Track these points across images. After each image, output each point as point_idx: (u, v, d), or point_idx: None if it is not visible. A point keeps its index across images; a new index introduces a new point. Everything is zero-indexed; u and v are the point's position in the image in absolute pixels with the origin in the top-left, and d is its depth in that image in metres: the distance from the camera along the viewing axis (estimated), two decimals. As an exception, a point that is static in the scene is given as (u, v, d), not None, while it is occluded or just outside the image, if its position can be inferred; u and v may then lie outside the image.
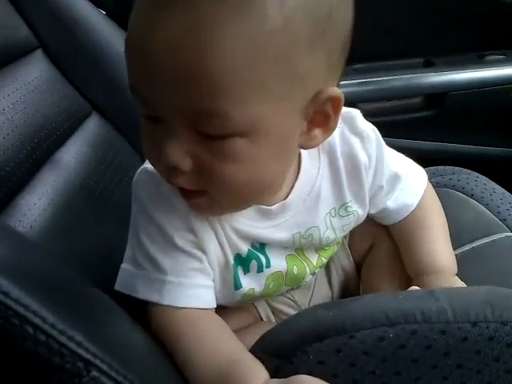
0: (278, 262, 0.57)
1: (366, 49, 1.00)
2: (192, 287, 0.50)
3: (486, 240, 0.74)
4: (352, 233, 0.71)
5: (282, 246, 0.56)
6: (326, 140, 0.51)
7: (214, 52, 0.36)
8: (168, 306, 0.49)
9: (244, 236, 0.53)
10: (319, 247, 0.60)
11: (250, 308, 0.67)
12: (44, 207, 0.61)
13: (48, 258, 0.46)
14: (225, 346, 0.49)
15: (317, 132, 0.45)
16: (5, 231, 0.45)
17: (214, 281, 0.53)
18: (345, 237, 0.70)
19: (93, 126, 0.82)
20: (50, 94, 0.76)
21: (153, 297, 0.50)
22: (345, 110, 0.53)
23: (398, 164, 0.60)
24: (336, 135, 0.54)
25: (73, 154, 0.72)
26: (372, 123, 0.57)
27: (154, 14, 0.38)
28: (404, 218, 0.62)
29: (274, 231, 0.54)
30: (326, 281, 0.71)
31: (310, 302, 0.69)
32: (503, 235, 0.75)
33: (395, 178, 0.59)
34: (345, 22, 0.43)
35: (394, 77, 1.16)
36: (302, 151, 0.53)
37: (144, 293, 0.50)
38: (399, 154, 0.62)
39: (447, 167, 0.94)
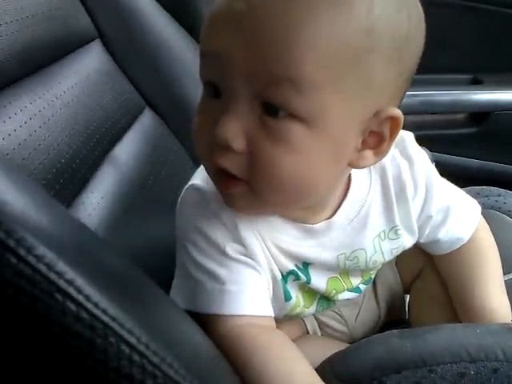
0: (318, 283, 0.55)
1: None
2: (252, 294, 0.49)
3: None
4: (402, 254, 0.69)
5: (326, 267, 0.55)
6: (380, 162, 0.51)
7: (308, 26, 0.37)
8: (229, 315, 0.48)
9: (287, 254, 0.52)
10: (365, 270, 0.59)
11: (297, 320, 0.66)
12: (107, 206, 0.60)
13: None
14: (300, 368, 0.47)
15: (368, 153, 0.44)
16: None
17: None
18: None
19: (146, 122, 0.81)
20: (109, 88, 0.75)
21: (213, 308, 0.48)
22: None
23: (450, 195, 0.58)
24: (388, 156, 0.51)
25: (129, 151, 0.71)
26: (415, 136, 0.56)
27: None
28: (455, 251, 0.60)
29: (318, 251, 0.52)
30: (373, 298, 0.70)
31: (356, 318, 0.68)
32: (552, 265, 0.74)
33: (447, 210, 0.57)
34: (418, 48, 0.44)
35: (441, 92, 1.14)
36: (353, 170, 0.52)
37: (203, 306, 0.48)
38: (451, 184, 0.59)
39: (492, 188, 0.92)
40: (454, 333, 0.48)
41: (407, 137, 0.55)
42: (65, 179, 0.56)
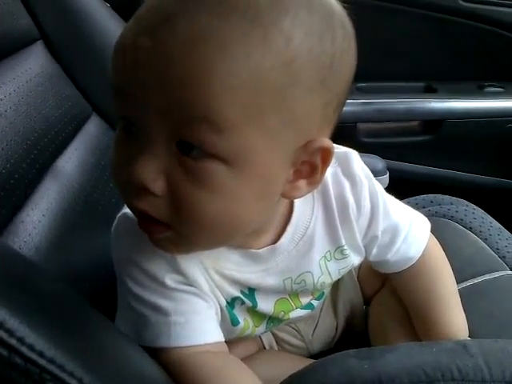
0: (265, 306, 0.54)
1: (371, 68, 0.99)
2: (200, 322, 0.47)
3: (488, 277, 0.74)
4: (364, 268, 0.69)
5: (272, 291, 0.53)
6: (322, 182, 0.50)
7: (221, 64, 0.35)
8: (179, 347, 0.45)
9: (231, 281, 0.50)
10: (315, 290, 0.58)
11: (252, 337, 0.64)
12: (49, 224, 0.55)
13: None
14: None
15: (301, 183, 0.43)
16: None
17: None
18: (355, 269, 0.68)
19: (93, 129, 0.76)
20: (53, 94, 0.70)
21: (161, 341, 0.45)
22: (342, 149, 0.53)
23: (398, 215, 0.56)
24: (329, 175, 0.51)
25: (74, 161, 0.67)
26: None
27: (158, 16, 0.36)
28: (407, 270, 0.59)
29: (262, 276, 0.51)
30: (331, 311, 0.69)
31: (314, 332, 0.68)
32: (504, 273, 0.75)
33: (396, 230, 0.56)
34: (346, 72, 0.42)
35: (396, 100, 1.16)
36: None
37: (151, 340, 0.46)
38: (399, 202, 0.58)
39: (445, 196, 0.94)
40: (411, 352, 0.47)
41: (351, 156, 0.53)
42: (1, 197, 0.51)
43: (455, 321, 0.59)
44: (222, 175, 0.37)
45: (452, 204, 0.91)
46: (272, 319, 0.57)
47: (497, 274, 0.74)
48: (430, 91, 1.24)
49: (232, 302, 0.51)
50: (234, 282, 0.50)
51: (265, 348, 0.66)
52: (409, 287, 0.61)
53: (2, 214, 0.51)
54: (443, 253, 0.61)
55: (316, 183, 0.43)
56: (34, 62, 0.72)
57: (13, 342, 0.26)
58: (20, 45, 0.72)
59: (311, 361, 0.63)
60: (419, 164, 1.21)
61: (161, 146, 0.37)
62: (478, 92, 1.24)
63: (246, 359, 0.60)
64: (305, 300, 0.58)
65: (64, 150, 0.67)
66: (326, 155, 0.41)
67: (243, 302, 0.51)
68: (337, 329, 0.69)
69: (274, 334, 0.67)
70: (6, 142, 0.55)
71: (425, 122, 1.21)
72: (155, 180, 0.37)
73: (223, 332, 0.50)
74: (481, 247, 0.80)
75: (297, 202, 0.50)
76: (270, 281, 0.51)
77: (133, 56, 0.36)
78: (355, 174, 0.52)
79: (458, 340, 0.56)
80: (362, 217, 0.52)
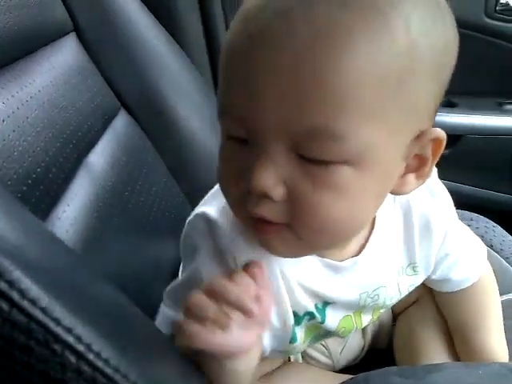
0: (332, 322, 0.52)
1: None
2: None
3: (509, 296, 0.74)
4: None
5: (346, 306, 0.52)
6: (404, 197, 0.49)
7: (339, 65, 0.33)
8: None
9: (310, 293, 0.48)
10: (378, 308, 0.56)
11: None
12: (84, 221, 0.54)
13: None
14: None
15: (410, 177, 0.41)
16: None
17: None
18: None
19: (121, 125, 0.75)
20: (85, 88, 0.69)
21: None
22: None
23: (463, 234, 0.57)
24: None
25: (106, 157, 0.66)
26: None
27: (272, 18, 0.34)
28: (461, 290, 0.59)
29: (342, 289, 0.50)
30: (360, 331, 0.68)
31: (342, 351, 0.67)
32: (525, 293, 0.75)
33: (460, 250, 0.56)
34: (454, 57, 0.40)
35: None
36: None
37: None
38: (463, 224, 0.58)
39: (465, 212, 0.93)
40: (457, 374, 0.46)
41: (434, 172, 0.52)
42: (41, 191, 0.50)
43: (498, 340, 0.59)
44: (346, 176, 0.36)
45: (472, 220, 0.90)
46: (318, 335, 0.56)
47: (516, 295, 0.74)
48: (451, 105, 1.24)
49: (301, 318, 0.50)
50: (313, 294, 0.48)
51: (289, 360, 0.65)
52: (458, 307, 0.60)
53: (41, 209, 0.50)
54: (493, 275, 0.61)
55: (424, 176, 0.41)
56: (68, 54, 0.71)
57: (81, 348, 0.26)
58: (54, 36, 0.70)
59: (336, 375, 0.63)
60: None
61: (280, 154, 0.36)
62: (497, 109, 1.24)
63: (274, 372, 0.60)
64: (365, 319, 0.56)
65: (96, 145, 0.66)
66: (438, 146, 0.40)
67: (313, 317, 0.50)
68: (364, 347, 0.69)
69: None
70: (44, 135, 0.54)
71: (444, 136, 1.20)
72: (275, 186, 0.36)
73: (275, 350, 0.49)
74: (502, 266, 0.79)
75: (379, 214, 0.49)
76: (349, 294, 0.50)
77: (247, 67, 0.35)
78: (437, 191, 0.51)
79: (502, 363, 0.55)
80: (440, 234, 0.52)
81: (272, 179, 0.36)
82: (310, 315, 0.50)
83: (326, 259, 0.48)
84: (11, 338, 0.24)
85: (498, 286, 0.73)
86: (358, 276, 0.50)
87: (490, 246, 0.83)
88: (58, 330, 0.25)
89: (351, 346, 0.67)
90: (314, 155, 0.35)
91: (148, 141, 0.79)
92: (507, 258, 0.82)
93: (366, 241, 0.49)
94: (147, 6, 0.92)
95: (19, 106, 0.53)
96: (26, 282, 0.25)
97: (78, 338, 0.26)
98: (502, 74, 1.25)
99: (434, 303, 0.64)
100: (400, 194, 0.43)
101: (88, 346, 0.26)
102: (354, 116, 0.34)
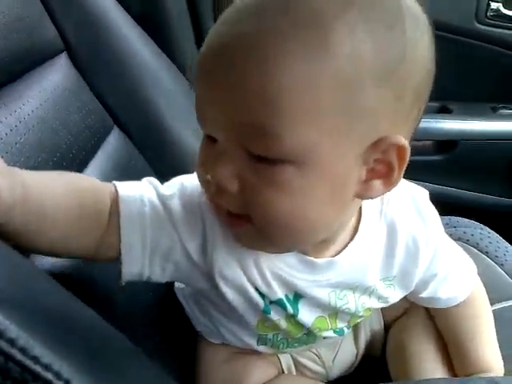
0: (306, 318, 0.54)
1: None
2: None
3: (505, 304, 0.74)
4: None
5: (316, 303, 0.53)
6: (390, 212, 0.51)
7: (275, 68, 0.36)
8: None
9: (282, 282, 0.50)
10: (354, 316, 0.58)
11: (273, 359, 0.65)
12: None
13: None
14: None
15: (376, 183, 0.42)
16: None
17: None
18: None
19: (114, 143, 0.76)
20: (77, 107, 0.69)
21: None
22: (415, 187, 0.54)
23: (452, 254, 0.58)
24: (401, 210, 0.52)
25: (98, 176, 0.66)
26: None
27: (225, 28, 0.39)
28: (452, 307, 0.60)
29: (312, 285, 0.51)
30: (352, 338, 0.69)
31: (334, 359, 0.67)
32: (521, 301, 0.75)
33: (449, 269, 0.57)
34: (420, 67, 0.41)
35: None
36: (364, 214, 0.51)
37: None
38: (452, 241, 0.60)
39: (460, 219, 0.93)
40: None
41: (424, 195, 0.54)
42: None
43: (492, 353, 0.60)
44: (290, 175, 0.39)
45: (467, 227, 0.91)
46: (304, 339, 0.58)
47: (512, 303, 0.74)
48: (445, 111, 1.24)
49: (269, 306, 0.52)
50: (283, 283, 0.50)
51: (283, 372, 0.66)
52: (451, 322, 0.61)
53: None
54: (485, 294, 0.63)
55: (393, 184, 0.42)
56: (59, 74, 0.72)
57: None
58: (45, 56, 0.71)
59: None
60: (432, 183, 1.21)
61: (234, 153, 0.40)
62: (492, 114, 1.24)
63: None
64: (341, 325, 0.58)
65: (88, 165, 0.66)
66: (402, 154, 0.40)
67: (284, 308, 0.51)
68: (356, 356, 0.69)
69: (293, 359, 0.67)
70: (33, 160, 0.55)
71: (439, 141, 1.21)
72: (230, 179, 0.40)
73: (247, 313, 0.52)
74: (497, 273, 0.79)
75: (363, 223, 0.51)
76: (318, 291, 0.52)
77: (206, 77, 0.40)
78: (426, 213, 0.52)
79: (485, 376, 0.56)
80: (427, 256, 0.53)
81: (227, 173, 0.40)
82: (281, 305, 0.51)
83: (303, 255, 0.50)
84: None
85: (493, 293, 0.74)
86: (330, 277, 0.51)
87: (486, 253, 0.84)
88: (37, 368, 0.25)
89: (344, 354, 0.68)
90: (258, 152, 0.39)
91: (141, 158, 0.80)
92: (502, 264, 0.82)
93: (346, 246, 0.51)
94: (138, 21, 0.93)
95: (8, 132, 0.54)
96: (3, 322, 0.25)
97: (57, 375, 0.26)
98: (496, 79, 1.26)
99: (424, 312, 0.65)
100: (367, 198, 0.45)
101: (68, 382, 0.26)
102: (287, 116, 0.37)
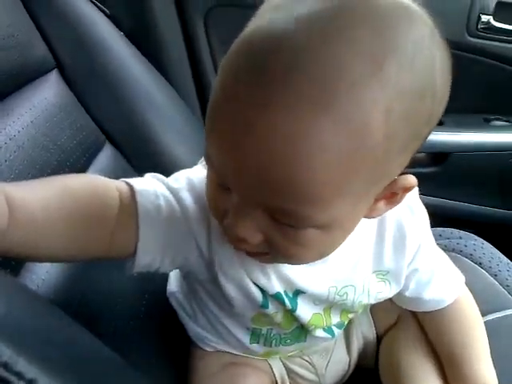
0: (303, 313, 0.55)
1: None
2: None
3: (499, 315, 0.74)
4: (378, 304, 0.69)
5: (315, 299, 0.54)
6: None
7: (307, 165, 0.34)
8: None
9: (281, 276, 0.51)
10: (347, 309, 0.58)
11: (265, 368, 0.65)
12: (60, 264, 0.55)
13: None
14: None
15: (381, 204, 0.44)
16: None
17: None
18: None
19: (106, 159, 0.76)
20: (68, 124, 0.70)
21: None
22: None
23: (437, 258, 0.59)
24: None
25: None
26: None
27: (249, 112, 0.35)
28: (438, 311, 0.60)
29: (312, 280, 0.52)
30: (344, 346, 0.69)
31: (327, 366, 0.68)
32: (515, 311, 0.75)
33: (432, 271, 0.57)
34: (438, 117, 0.42)
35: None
36: None
37: None
38: (438, 249, 0.60)
39: (454, 230, 0.94)
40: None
41: (414, 189, 0.55)
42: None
43: (488, 369, 0.59)
44: (314, 237, 0.40)
45: (461, 238, 0.91)
46: (296, 333, 0.59)
47: (508, 312, 0.73)
48: (437, 124, 1.24)
49: (267, 300, 0.52)
50: (283, 278, 0.51)
51: (277, 382, 0.66)
52: (442, 333, 0.61)
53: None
54: (474, 301, 0.62)
55: (395, 203, 0.44)
56: (50, 91, 0.72)
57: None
58: (37, 74, 0.72)
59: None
60: (425, 195, 1.19)
61: (255, 212, 0.40)
62: (484, 125, 1.25)
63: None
64: (335, 319, 0.58)
65: (78, 182, 0.66)
66: (408, 189, 0.42)
67: (283, 302, 0.52)
68: (349, 365, 0.69)
69: (286, 367, 0.67)
70: (24, 177, 0.55)
71: (432, 153, 1.21)
72: (253, 235, 0.41)
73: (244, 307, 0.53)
74: (491, 283, 0.79)
75: None
76: (318, 286, 0.52)
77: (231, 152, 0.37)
78: (415, 206, 0.53)
79: None
80: (413, 248, 0.54)
81: (250, 230, 0.40)
82: (279, 299, 0.52)
83: None
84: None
85: (486, 303, 0.74)
86: (328, 269, 0.52)
87: (479, 264, 0.84)
88: None
89: (336, 362, 0.68)
90: (284, 222, 0.39)
91: (134, 172, 0.80)
92: (495, 275, 0.82)
93: None
94: (132, 39, 0.93)
95: (-3, 150, 0.54)
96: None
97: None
98: (487, 91, 1.26)
99: (415, 324, 0.64)
100: (371, 218, 0.46)
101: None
102: (321, 202, 0.37)
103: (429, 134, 0.42)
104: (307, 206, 0.37)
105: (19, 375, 0.26)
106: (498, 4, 1.20)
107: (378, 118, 0.34)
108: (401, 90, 0.35)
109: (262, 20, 0.37)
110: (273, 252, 0.43)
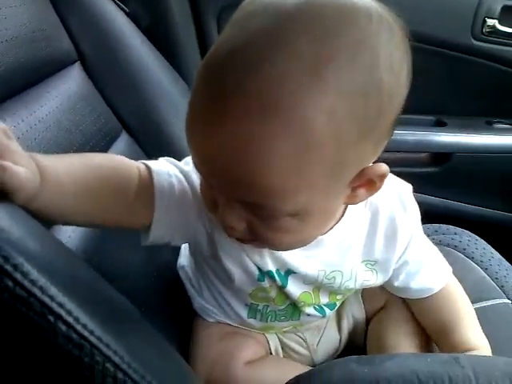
0: (293, 290, 0.59)
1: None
2: None
3: (487, 303, 0.78)
4: (368, 288, 0.73)
5: (305, 279, 0.59)
6: (375, 201, 0.56)
7: (262, 166, 0.39)
8: None
9: (274, 257, 0.56)
10: (334, 292, 0.63)
11: (261, 340, 0.70)
12: (85, 232, 0.61)
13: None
14: None
15: (360, 191, 0.47)
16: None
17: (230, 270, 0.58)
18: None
19: (123, 146, 0.83)
20: (89, 112, 0.77)
21: None
22: (401, 182, 0.59)
23: (426, 251, 0.63)
24: (384, 199, 0.56)
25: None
26: None
27: (204, 127, 0.41)
28: (426, 298, 0.64)
29: (304, 262, 0.57)
30: (335, 325, 0.74)
31: (318, 342, 0.72)
32: (502, 301, 0.79)
33: (421, 263, 0.62)
34: (396, 106, 0.44)
35: (407, 132, 1.20)
36: None
37: None
38: (428, 240, 0.64)
39: (450, 226, 0.97)
40: (407, 361, 0.51)
41: (408, 189, 0.59)
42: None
43: (479, 337, 0.63)
44: (291, 224, 0.46)
45: (456, 234, 0.94)
46: (290, 307, 0.64)
47: (495, 302, 0.78)
48: (440, 125, 1.28)
49: (263, 275, 0.57)
50: (277, 259, 0.56)
51: (271, 353, 0.71)
52: (429, 313, 0.66)
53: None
54: (462, 288, 0.67)
55: (375, 190, 0.47)
56: (73, 82, 0.79)
57: (70, 320, 0.32)
58: (62, 65, 0.79)
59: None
60: (426, 194, 1.24)
61: (237, 205, 0.45)
62: (487, 128, 1.27)
63: (253, 362, 0.65)
64: (323, 299, 0.63)
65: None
66: (383, 176, 0.46)
67: (274, 280, 0.57)
68: (340, 342, 0.74)
69: (281, 341, 0.71)
70: (50, 154, 0.61)
71: (434, 154, 1.25)
72: (238, 223, 0.47)
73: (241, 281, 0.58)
74: (481, 276, 0.83)
75: (349, 209, 0.55)
76: (309, 268, 0.57)
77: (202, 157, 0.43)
78: (408, 204, 0.57)
79: (451, 354, 0.60)
80: (403, 242, 0.58)
81: (235, 219, 0.46)
82: (270, 276, 0.57)
83: None
84: (15, 308, 0.30)
85: (476, 293, 0.77)
86: (319, 254, 0.56)
87: (472, 258, 0.87)
88: (52, 305, 0.31)
89: (327, 339, 0.72)
90: (259, 213, 0.45)
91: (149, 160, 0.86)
92: (486, 268, 0.85)
93: (332, 227, 0.56)
94: (148, 36, 1.00)
95: (28, 129, 0.61)
96: (27, 267, 0.31)
97: (69, 312, 0.32)
98: (491, 94, 1.28)
99: (403, 307, 0.68)
100: (352, 204, 0.51)
101: (76, 319, 0.32)
102: (284, 195, 0.42)
103: (392, 121, 0.44)
104: (273, 199, 0.42)
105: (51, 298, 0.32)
106: (504, 8, 1.22)
107: (321, 119, 0.38)
108: (342, 92, 0.38)
109: (223, 35, 0.42)
110: (257, 239, 0.49)
